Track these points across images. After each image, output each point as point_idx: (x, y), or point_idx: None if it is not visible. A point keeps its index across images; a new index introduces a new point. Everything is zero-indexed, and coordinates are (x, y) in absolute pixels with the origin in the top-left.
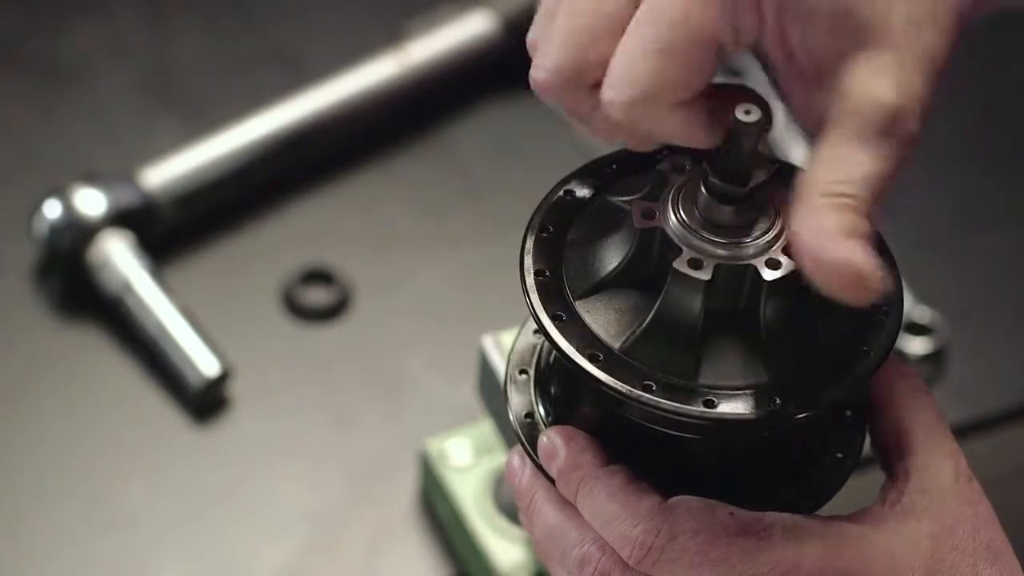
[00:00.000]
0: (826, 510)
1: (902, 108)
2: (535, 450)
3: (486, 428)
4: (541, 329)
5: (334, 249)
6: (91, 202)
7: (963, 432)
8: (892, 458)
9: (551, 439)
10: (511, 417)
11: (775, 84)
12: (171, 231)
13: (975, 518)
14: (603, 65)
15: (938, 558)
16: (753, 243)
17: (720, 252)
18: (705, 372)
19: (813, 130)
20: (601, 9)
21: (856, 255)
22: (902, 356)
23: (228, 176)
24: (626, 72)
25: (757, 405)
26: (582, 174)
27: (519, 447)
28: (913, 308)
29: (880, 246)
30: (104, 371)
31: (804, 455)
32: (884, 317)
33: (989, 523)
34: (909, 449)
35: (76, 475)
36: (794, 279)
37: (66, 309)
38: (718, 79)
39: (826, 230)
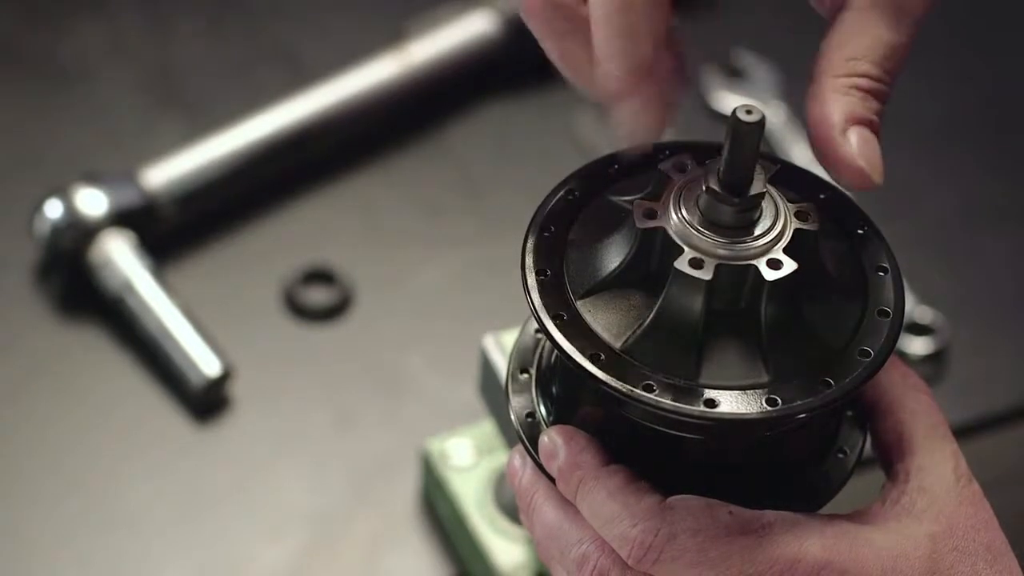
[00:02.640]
0: (826, 510)
1: None
2: (536, 449)
3: (487, 428)
4: (542, 328)
5: (335, 249)
6: (92, 202)
7: (964, 432)
8: (892, 458)
9: (551, 438)
10: (512, 417)
11: None
12: (172, 231)
13: (975, 519)
14: None
15: (937, 558)
16: (754, 243)
17: (721, 252)
18: (706, 372)
19: (828, 10)
20: None
21: (854, 149)
22: (903, 356)
23: (229, 176)
24: None
25: (757, 405)
26: (583, 174)
27: (520, 447)
28: (914, 308)
29: (877, 241)
30: (105, 371)
31: (805, 455)
32: (885, 317)
33: (989, 524)
34: (909, 450)
35: (76, 475)
36: (795, 279)
37: (67, 309)
38: (719, 80)
39: (830, 120)
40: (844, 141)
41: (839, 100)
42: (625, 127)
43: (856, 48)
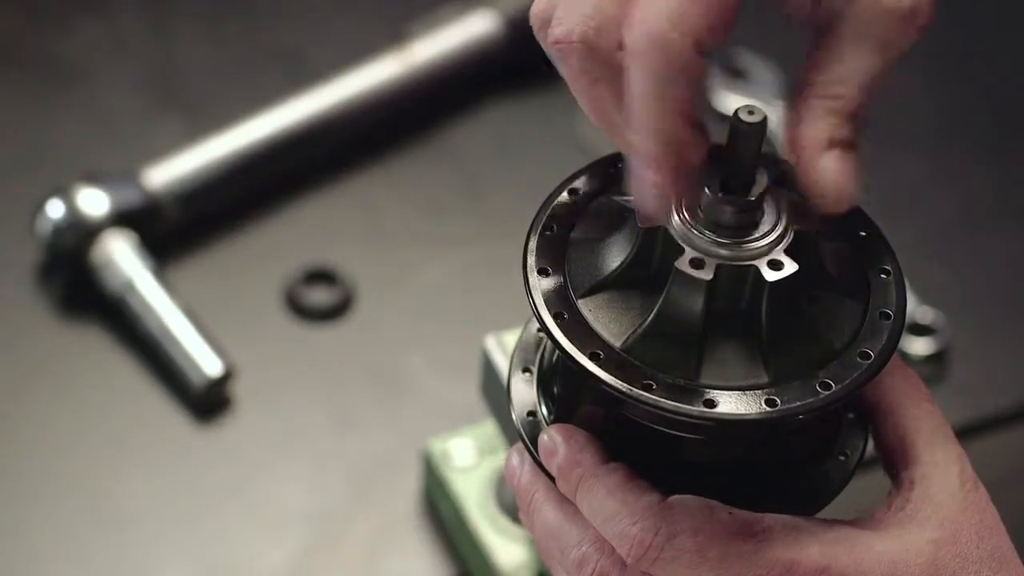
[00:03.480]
0: (828, 512)
1: (916, 8)
2: (537, 448)
3: (488, 428)
4: (543, 328)
5: (336, 249)
6: (94, 202)
7: (965, 433)
8: (896, 463)
9: (551, 437)
10: (514, 416)
11: None
12: (174, 231)
13: (980, 525)
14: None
15: (939, 565)
16: (755, 243)
17: (722, 252)
18: (706, 372)
19: (806, 27)
20: None
21: (831, 171)
22: (904, 357)
23: (231, 176)
24: (658, 7)
25: (757, 405)
26: (585, 173)
27: (518, 445)
28: (915, 309)
29: (874, 237)
30: (106, 371)
31: (805, 457)
32: (886, 319)
33: (994, 530)
34: (914, 456)
35: (76, 475)
36: (796, 280)
37: (68, 309)
38: (717, 77)
39: (807, 141)
40: (822, 162)
41: (819, 122)
42: (642, 198)
43: (841, 72)
